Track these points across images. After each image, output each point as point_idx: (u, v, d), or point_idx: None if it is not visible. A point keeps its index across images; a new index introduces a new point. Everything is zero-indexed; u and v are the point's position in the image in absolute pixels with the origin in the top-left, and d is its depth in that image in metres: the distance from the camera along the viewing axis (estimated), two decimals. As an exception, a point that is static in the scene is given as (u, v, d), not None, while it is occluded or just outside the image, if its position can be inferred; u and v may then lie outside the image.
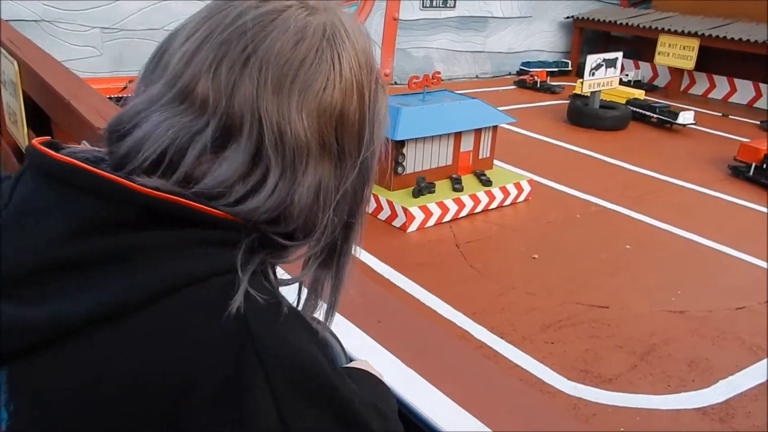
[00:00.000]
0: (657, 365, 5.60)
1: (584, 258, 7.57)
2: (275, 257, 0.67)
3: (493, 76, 18.24)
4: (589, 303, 6.52)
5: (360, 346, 1.18)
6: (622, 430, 4.74)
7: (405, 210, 8.05)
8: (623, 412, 4.98)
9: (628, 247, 7.92)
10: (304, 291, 0.76)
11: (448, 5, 17.00)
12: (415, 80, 9.10)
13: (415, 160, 8.68)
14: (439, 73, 9.40)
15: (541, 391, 5.11)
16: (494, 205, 8.87)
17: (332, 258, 0.73)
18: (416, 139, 8.52)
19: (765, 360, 5.74)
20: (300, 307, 0.75)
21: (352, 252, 0.75)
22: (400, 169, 8.48)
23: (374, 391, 0.84)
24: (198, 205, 0.61)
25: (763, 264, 7.60)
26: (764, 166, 10.22)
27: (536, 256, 7.51)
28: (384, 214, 8.32)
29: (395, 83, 15.90)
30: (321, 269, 0.73)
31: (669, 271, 7.36)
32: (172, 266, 0.58)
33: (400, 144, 8.40)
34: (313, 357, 0.61)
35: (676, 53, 16.44)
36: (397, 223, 8.15)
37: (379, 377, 0.88)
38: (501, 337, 5.85)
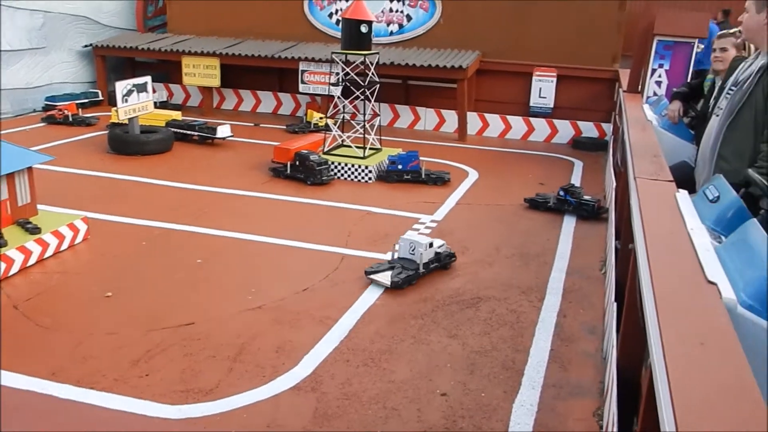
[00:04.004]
0: (250, 362, 5.94)
1: (160, 282, 7.52)
2: None
3: (16, 115, 16.50)
4: (175, 324, 6.52)
5: None
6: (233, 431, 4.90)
7: (-63, 283, 6.75)
8: (229, 416, 5.16)
9: (199, 261, 8.14)
10: None
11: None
12: None
13: (-63, 223, 7.32)
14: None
15: (148, 425, 4.94)
16: (50, 252, 8.10)
17: None
18: (-68, 199, 7.20)
19: (334, 326, 6.61)
20: None
21: None
22: None
23: None
24: None
25: (313, 246, 8.69)
26: (297, 162, 11.66)
27: (110, 294, 7.15)
28: None
29: None
30: None
31: (241, 274, 7.84)
32: None
33: None
34: None
35: (202, 72, 17.43)
36: (-70, 300, 6.79)
37: None
38: (92, 388, 5.43)
